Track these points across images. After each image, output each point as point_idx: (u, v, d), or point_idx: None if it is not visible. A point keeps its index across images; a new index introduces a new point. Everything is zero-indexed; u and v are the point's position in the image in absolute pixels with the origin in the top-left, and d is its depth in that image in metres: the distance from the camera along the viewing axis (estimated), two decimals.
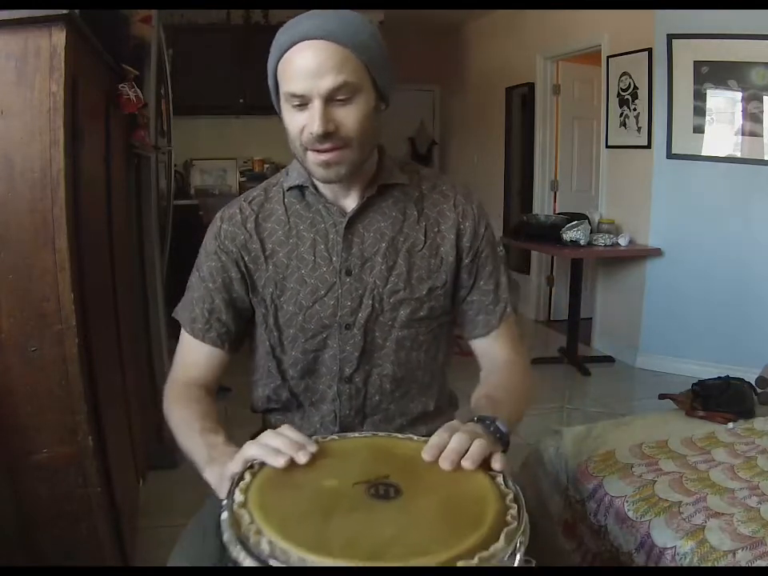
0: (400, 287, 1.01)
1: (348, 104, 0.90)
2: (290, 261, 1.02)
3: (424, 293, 1.02)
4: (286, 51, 0.89)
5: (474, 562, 0.58)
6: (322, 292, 1.00)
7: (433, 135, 6.65)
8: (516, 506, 0.67)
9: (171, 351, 1.13)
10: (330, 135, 0.89)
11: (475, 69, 5.79)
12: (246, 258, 1.03)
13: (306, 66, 0.87)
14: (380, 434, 0.89)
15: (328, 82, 0.87)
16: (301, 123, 0.91)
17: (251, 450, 0.76)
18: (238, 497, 0.68)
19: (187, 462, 0.90)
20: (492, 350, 1.09)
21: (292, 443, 0.76)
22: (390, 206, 1.03)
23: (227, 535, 0.63)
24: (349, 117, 0.90)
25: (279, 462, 0.73)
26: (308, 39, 0.87)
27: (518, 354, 1.10)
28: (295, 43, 0.88)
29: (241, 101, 4.61)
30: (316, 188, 1.01)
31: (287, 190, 1.04)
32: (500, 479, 0.73)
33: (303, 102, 0.89)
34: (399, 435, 0.86)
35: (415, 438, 0.84)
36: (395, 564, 0.57)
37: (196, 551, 0.89)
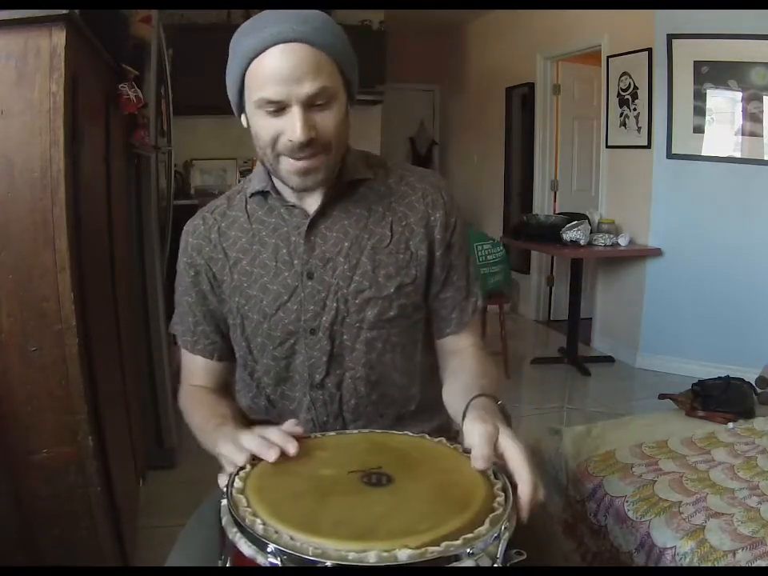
0: (365, 286, 0.96)
1: (326, 109, 0.86)
2: (253, 268, 0.99)
3: (392, 290, 0.97)
4: (256, 56, 0.84)
5: (459, 543, 0.59)
6: (285, 298, 0.97)
7: (433, 135, 6.65)
8: (503, 495, 0.69)
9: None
10: (311, 142, 0.86)
11: (475, 69, 5.78)
12: (214, 269, 1.02)
13: (282, 70, 0.83)
14: (377, 430, 0.91)
15: (307, 88, 0.83)
16: (276, 129, 0.87)
17: (245, 438, 0.77)
18: (238, 483, 0.71)
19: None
20: (461, 344, 1.06)
21: (283, 437, 0.76)
22: (354, 204, 0.99)
23: (225, 519, 0.65)
24: (327, 122, 0.87)
25: (271, 456, 0.74)
26: (281, 42, 0.83)
27: (481, 343, 1.08)
28: (267, 47, 0.83)
29: None
30: (278, 191, 0.99)
31: (250, 197, 1.02)
32: (489, 471, 0.74)
33: (279, 108, 0.85)
34: (396, 432, 0.87)
35: (410, 434, 0.85)
36: (383, 543, 0.58)
37: (195, 550, 0.88)
